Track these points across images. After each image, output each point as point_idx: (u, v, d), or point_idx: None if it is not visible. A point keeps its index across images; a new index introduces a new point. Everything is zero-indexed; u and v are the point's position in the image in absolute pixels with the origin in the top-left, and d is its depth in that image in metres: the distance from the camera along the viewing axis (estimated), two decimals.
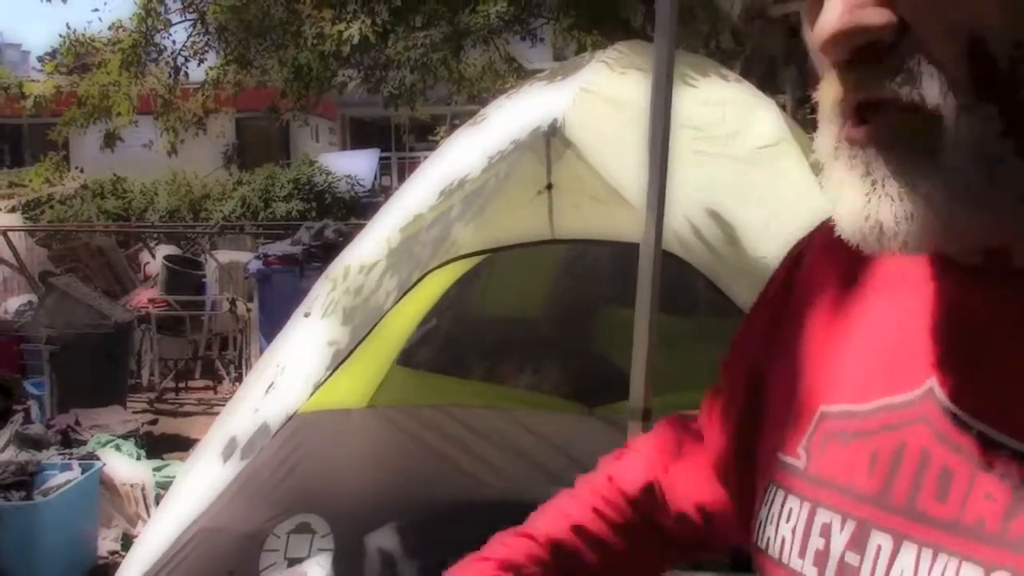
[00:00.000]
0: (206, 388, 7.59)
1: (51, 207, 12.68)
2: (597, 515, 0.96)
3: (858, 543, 0.63)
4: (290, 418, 2.76)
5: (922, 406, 0.62)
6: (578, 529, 0.95)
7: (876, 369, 0.67)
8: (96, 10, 9.94)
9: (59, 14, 20.28)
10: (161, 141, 9.81)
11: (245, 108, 11.59)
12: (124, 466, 4.65)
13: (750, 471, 0.86)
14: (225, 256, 8.95)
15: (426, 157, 4.30)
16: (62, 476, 4.20)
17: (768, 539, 0.72)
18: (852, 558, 0.63)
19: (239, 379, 7.15)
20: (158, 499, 4.34)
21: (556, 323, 4.13)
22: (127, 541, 4.28)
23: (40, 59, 13.81)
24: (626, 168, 2.56)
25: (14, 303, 8.13)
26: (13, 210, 11.49)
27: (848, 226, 0.57)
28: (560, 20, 8.35)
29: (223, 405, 4.18)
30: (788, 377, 0.77)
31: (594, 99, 2.97)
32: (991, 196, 0.53)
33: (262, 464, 2.77)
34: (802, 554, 0.68)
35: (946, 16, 0.53)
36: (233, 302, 7.80)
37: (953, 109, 0.53)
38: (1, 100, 10.04)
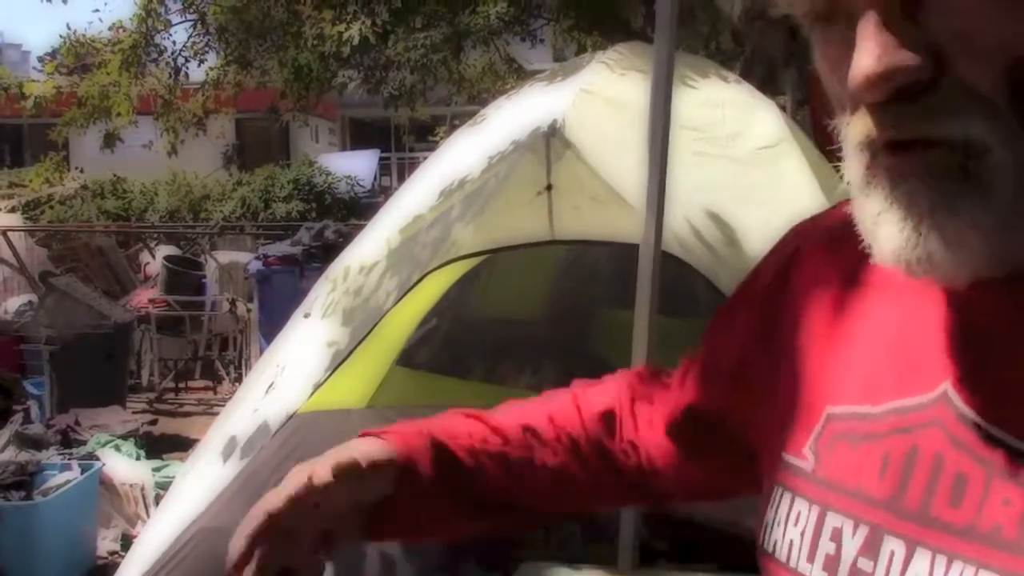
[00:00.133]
0: (206, 388, 7.59)
1: (51, 207, 12.68)
2: (550, 421, 0.98)
3: (870, 548, 0.62)
4: (290, 418, 2.76)
5: (935, 410, 0.61)
6: (528, 429, 0.97)
7: (885, 370, 0.66)
8: (96, 10, 9.92)
9: (59, 14, 20.29)
10: (161, 141, 9.81)
11: (245, 109, 11.59)
12: (124, 466, 4.65)
13: (710, 444, 0.90)
14: (225, 256, 8.96)
15: (426, 158, 4.31)
16: (62, 476, 4.20)
17: (775, 542, 0.71)
18: (865, 564, 0.62)
19: (239, 379, 7.14)
20: (157, 499, 4.34)
21: (556, 324, 4.13)
22: (126, 541, 4.28)
23: (40, 59, 13.81)
24: (626, 169, 2.56)
25: (14, 303, 8.14)
26: (13, 210, 11.49)
27: (893, 258, 0.56)
28: (560, 21, 8.35)
29: (223, 405, 4.19)
30: (790, 376, 0.76)
31: (594, 100, 2.97)
32: None
33: (262, 464, 2.77)
34: (811, 558, 0.67)
35: (984, 44, 0.52)
36: (233, 302, 7.81)
37: (999, 141, 0.52)
38: (1, 100, 10.04)
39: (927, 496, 0.60)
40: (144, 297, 8.20)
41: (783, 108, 4.61)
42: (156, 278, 8.69)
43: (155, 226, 12.56)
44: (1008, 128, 0.52)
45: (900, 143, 0.55)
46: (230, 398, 3.84)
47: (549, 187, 3.01)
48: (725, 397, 0.89)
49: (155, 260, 9.57)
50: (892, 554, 0.60)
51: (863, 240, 0.60)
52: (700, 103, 3.11)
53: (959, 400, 0.60)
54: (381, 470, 0.89)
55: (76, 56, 9.34)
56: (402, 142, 20.01)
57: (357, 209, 13.78)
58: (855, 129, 0.58)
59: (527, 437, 0.97)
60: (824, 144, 3.35)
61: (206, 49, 9.12)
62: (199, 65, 9.31)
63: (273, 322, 5.67)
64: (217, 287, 8.28)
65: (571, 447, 0.97)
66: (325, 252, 6.66)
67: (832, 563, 0.65)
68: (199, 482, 2.85)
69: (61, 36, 9.34)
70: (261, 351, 6.41)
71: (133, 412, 6.29)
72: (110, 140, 9.52)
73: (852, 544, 0.63)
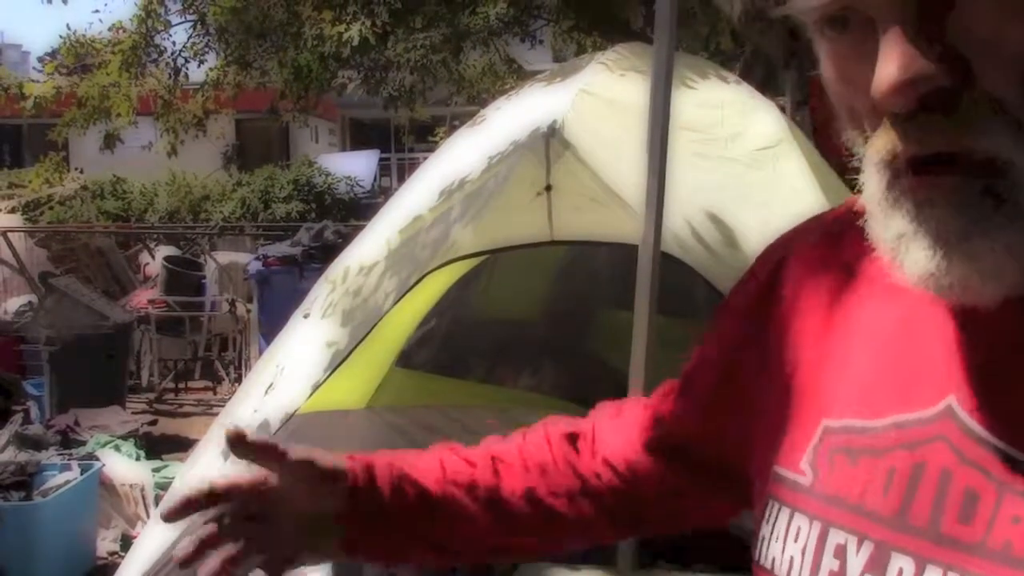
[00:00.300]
0: (205, 389, 7.59)
1: (51, 208, 12.67)
2: (518, 451, 0.98)
3: (877, 566, 0.61)
4: (289, 418, 2.76)
5: (941, 424, 0.60)
6: (497, 458, 0.97)
7: (885, 382, 0.66)
8: (96, 11, 9.89)
9: (59, 15, 20.31)
10: (161, 142, 9.80)
11: (245, 109, 11.58)
12: (123, 467, 4.65)
13: (690, 459, 0.89)
14: (225, 257, 8.96)
15: (426, 158, 4.30)
16: (61, 476, 4.20)
17: (774, 558, 0.70)
18: None
19: (238, 380, 7.15)
20: (157, 500, 4.34)
21: (555, 324, 4.13)
22: (126, 542, 4.28)
23: (40, 60, 13.81)
24: (625, 170, 2.56)
25: (14, 304, 8.14)
26: (13, 211, 11.48)
27: (922, 281, 0.55)
28: (560, 22, 8.35)
29: (222, 406, 4.19)
30: (783, 388, 0.75)
31: (594, 101, 2.97)
32: None
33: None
34: (814, 575, 0.65)
35: (1008, 53, 0.52)
36: (233, 303, 7.81)
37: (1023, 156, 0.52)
38: (1, 100, 10.03)
39: (936, 512, 0.59)
40: (144, 298, 8.21)
41: (783, 109, 4.61)
42: (156, 279, 8.69)
43: (155, 227, 12.56)
44: None
45: (923, 160, 0.54)
46: (230, 399, 3.84)
47: (548, 188, 3.01)
48: (704, 412, 0.89)
49: (155, 261, 9.57)
50: (901, 571, 0.59)
51: (857, 249, 0.60)
52: (699, 104, 3.11)
53: (965, 415, 0.59)
54: (335, 478, 0.92)
55: (76, 56, 9.33)
56: (402, 143, 20.01)
57: (357, 210, 13.78)
58: (877, 144, 0.57)
59: (495, 464, 0.97)
60: (824, 145, 3.36)
61: (206, 50, 9.11)
62: (199, 66, 9.31)
63: (273, 323, 5.67)
64: (217, 288, 8.29)
65: (539, 471, 0.96)
66: (325, 253, 6.66)
67: None
68: (199, 481, 2.85)
69: (61, 36, 9.34)
70: (261, 352, 6.41)
71: (133, 412, 6.29)
72: (110, 141, 9.51)
73: (857, 561, 0.62)
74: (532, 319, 4.13)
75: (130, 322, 6.73)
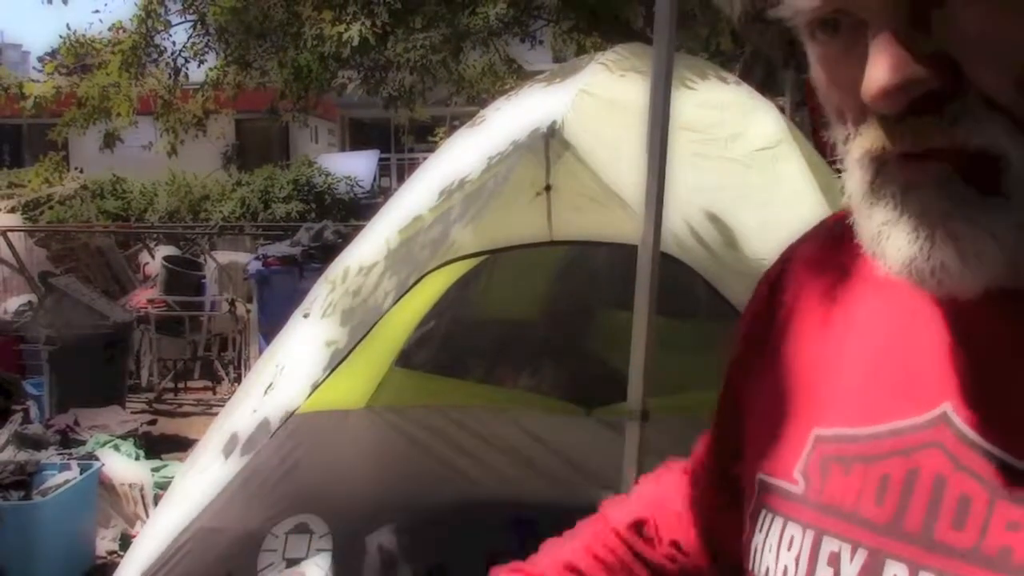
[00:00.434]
0: (205, 389, 7.59)
1: (51, 207, 12.67)
2: (589, 554, 0.96)
3: (871, 573, 0.61)
4: (288, 418, 2.77)
5: (936, 431, 0.60)
6: (571, 567, 0.95)
7: (878, 389, 0.65)
8: (96, 11, 9.90)
9: (59, 15, 20.30)
10: (161, 142, 9.81)
11: (245, 109, 11.59)
12: (123, 466, 4.65)
13: (727, 493, 0.84)
14: (224, 257, 8.96)
15: (425, 158, 4.31)
16: (61, 476, 4.20)
17: (767, 568, 0.69)
18: None
19: (238, 380, 7.15)
20: (156, 499, 4.34)
21: (554, 324, 4.13)
22: (125, 541, 4.28)
23: (40, 59, 13.81)
24: (625, 170, 2.56)
25: (13, 303, 8.14)
26: (13, 210, 11.49)
27: (903, 268, 0.55)
28: (560, 22, 8.36)
29: (222, 406, 4.19)
30: (775, 398, 0.75)
31: (593, 101, 2.97)
32: None
33: (260, 464, 2.77)
34: None
35: (998, 52, 0.52)
36: (232, 303, 7.81)
37: (1019, 150, 0.52)
38: (1, 100, 10.03)
39: (929, 519, 0.59)
40: (143, 297, 8.20)
41: (782, 110, 4.62)
42: (155, 278, 8.69)
43: (154, 226, 12.55)
44: None
45: (913, 155, 0.54)
46: (229, 398, 3.84)
47: (548, 188, 3.01)
48: (723, 434, 0.88)
49: (154, 260, 9.57)
50: None
51: (853, 250, 0.59)
52: (699, 104, 3.11)
53: (960, 421, 0.59)
54: None
55: (76, 56, 9.34)
56: (401, 143, 20.04)
57: (356, 210, 13.78)
58: (863, 140, 0.57)
59: None
60: (823, 146, 3.36)
61: (206, 50, 9.12)
62: (199, 66, 9.32)
63: (272, 322, 5.67)
64: (216, 287, 8.29)
65: (624, 572, 0.95)
66: (324, 253, 6.66)
67: None
68: (199, 481, 2.85)
69: (61, 36, 9.35)
70: (260, 351, 6.41)
71: (132, 412, 6.29)
72: (110, 140, 9.52)
73: (851, 569, 0.62)
74: (532, 319, 4.13)
75: (130, 322, 6.73)
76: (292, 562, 2.80)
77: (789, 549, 0.67)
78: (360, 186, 15.28)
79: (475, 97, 10.18)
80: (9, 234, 8.75)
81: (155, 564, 2.64)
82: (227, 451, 2.81)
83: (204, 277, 8.45)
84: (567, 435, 3.20)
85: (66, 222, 12.08)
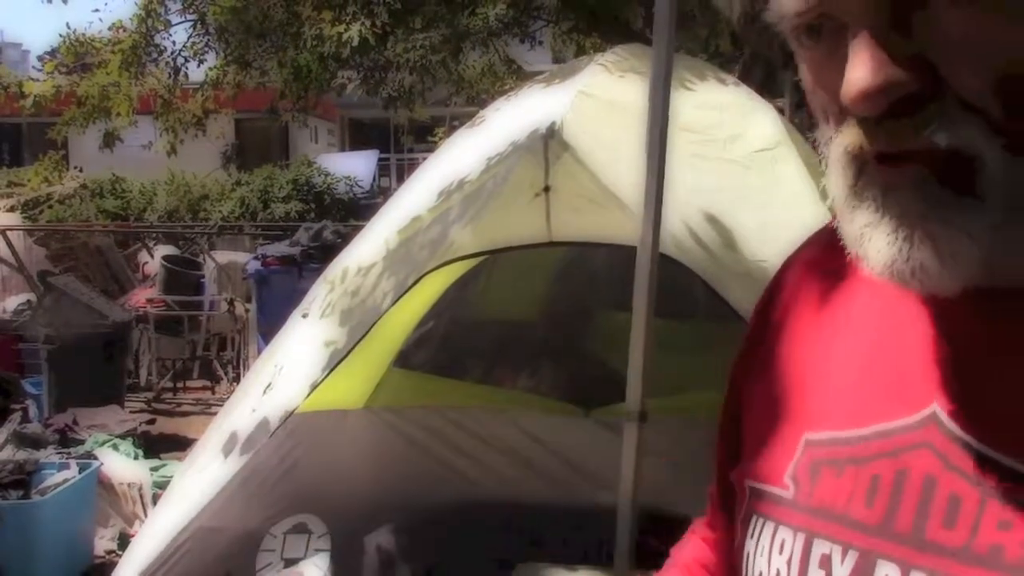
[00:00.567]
0: (204, 388, 7.59)
1: (50, 206, 12.67)
2: None
3: (863, 574, 0.61)
4: (287, 418, 2.77)
5: (925, 431, 0.61)
6: None
7: (868, 391, 0.66)
8: (96, 10, 9.89)
9: (59, 14, 20.25)
10: (160, 141, 9.80)
11: (244, 109, 11.58)
12: (121, 465, 4.65)
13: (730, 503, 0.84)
14: (223, 257, 8.96)
15: (425, 158, 4.31)
16: (60, 475, 4.21)
17: (760, 572, 0.70)
18: None
19: (237, 379, 7.15)
20: (155, 499, 4.34)
21: (553, 325, 4.13)
22: (124, 540, 4.28)
23: (40, 58, 13.82)
24: (624, 171, 2.56)
25: (12, 302, 8.14)
26: (12, 209, 11.49)
27: (884, 269, 0.56)
28: (559, 23, 8.36)
29: (221, 405, 4.19)
30: (766, 403, 0.75)
31: (592, 102, 2.97)
32: None
33: (259, 464, 2.77)
34: None
35: (976, 56, 0.53)
36: (231, 303, 7.81)
37: (991, 152, 0.52)
38: (1, 99, 10.03)
39: (920, 519, 0.59)
40: (142, 297, 8.20)
41: (781, 111, 4.61)
42: (154, 278, 8.69)
43: (154, 226, 12.55)
44: (1001, 139, 0.52)
45: (891, 155, 0.55)
46: (228, 398, 3.84)
47: (547, 189, 3.02)
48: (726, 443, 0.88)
49: (154, 260, 9.57)
50: None
51: (845, 254, 0.60)
52: (698, 105, 3.11)
53: (949, 421, 0.60)
54: None
55: (76, 56, 9.33)
56: (401, 143, 20.05)
57: (356, 210, 13.78)
58: (843, 140, 0.58)
59: None
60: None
61: (206, 49, 9.11)
62: (199, 65, 9.31)
63: (271, 322, 5.67)
64: (215, 287, 8.29)
65: None
66: (323, 253, 6.66)
67: None
68: (198, 480, 2.86)
69: (61, 35, 9.34)
70: (259, 351, 6.42)
71: (131, 412, 6.29)
72: (109, 140, 9.51)
73: (842, 570, 0.62)
74: (530, 320, 4.14)
75: (129, 321, 6.72)
76: (290, 562, 2.80)
77: (781, 553, 0.68)
78: (359, 186, 15.28)
79: (474, 98, 10.17)
80: (8, 233, 8.75)
81: (154, 563, 2.64)
82: (226, 451, 2.81)
83: (203, 277, 8.45)
84: (566, 436, 3.20)
85: (65, 221, 12.08)
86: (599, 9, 7.13)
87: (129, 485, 4.56)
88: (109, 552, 4.35)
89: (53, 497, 4.01)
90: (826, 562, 0.64)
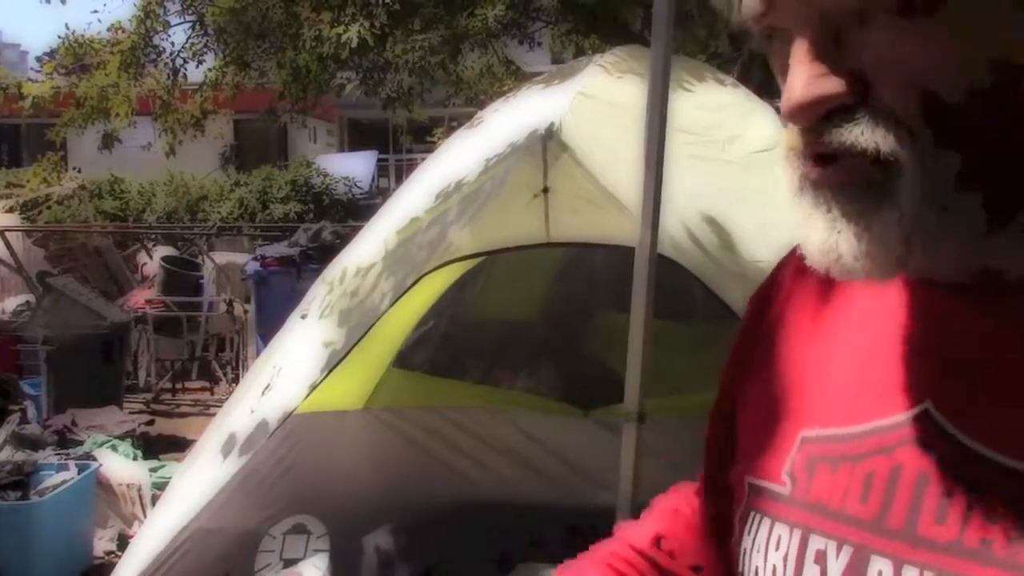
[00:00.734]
0: (203, 389, 7.59)
1: (49, 207, 12.67)
2: (610, 570, 0.95)
3: (856, 570, 0.62)
4: (286, 418, 2.77)
5: (916, 428, 0.62)
6: None
7: (862, 391, 0.67)
8: (95, 11, 9.88)
9: (58, 15, 20.28)
10: (159, 142, 9.80)
11: (243, 110, 11.57)
12: (120, 466, 4.65)
13: (725, 500, 0.85)
14: (222, 257, 8.96)
15: (424, 159, 4.31)
16: (58, 476, 4.21)
17: (756, 568, 0.71)
18: None
19: (236, 380, 7.15)
20: (154, 499, 4.34)
21: (552, 326, 4.14)
22: (123, 541, 4.28)
23: (39, 59, 13.80)
24: (622, 172, 2.57)
25: (11, 303, 8.14)
26: (11, 210, 11.49)
27: (815, 258, 0.61)
28: (558, 24, 8.36)
29: (219, 406, 4.19)
30: (764, 401, 0.76)
31: (591, 103, 2.98)
32: (945, 235, 0.57)
33: (258, 465, 2.78)
34: None
35: (900, 74, 0.56)
36: (230, 303, 7.81)
37: (909, 156, 0.56)
38: None
39: (912, 515, 0.60)
40: (141, 298, 8.20)
41: (780, 112, 4.61)
42: (153, 279, 8.69)
43: (152, 227, 12.56)
44: (923, 150, 0.56)
45: (823, 156, 0.59)
46: (227, 399, 3.84)
47: (546, 190, 3.02)
48: (720, 440, 0.89)
49: (152, 261, 9.57)
50: (880, 574, 0.61)
51: None
52: (697, 106, 3.12)
53: (940, 417, 0.61)
54: None
55: (75, 56, 9.32)
56: (400, 143, 20.06)
57: (355, 210, 13.79)
58: (786, 140, 0.62)
59: None
60: None
61: (205, 50, 9.11)
62: (198, 66, 9.30)
63: (270, 323, 5.66)
64: (214, 288, 8.29)
65: None
66: (322, 253, 6.67)
67: None
68: (197, 481, 2.86)
69: (60, 36, 9.33)
70: (258, 352, 6.42)
71: (130, 412, 6.29)
72: (108, 140, 9.51)
73: (837, 566, 0.63)
74: (529, 320, 4.14)
75: (127, 322, 6.72)
76: (289, 562, 2.80)
77: (777, 549, 0.69)
78: (358, 187, 15.29)
79: (473, 98, 10.17)
80: (7, 234, 8.74)
81: (153, 564, 2.65)
82: (225, 451, 2.82)
83: (202, 277, 8.45)
84: (565, 436, 3.20)
85: (64, 222, 12.09)
86: (598, 10, 7.14)
87: (128, 486, 4.56)
88: (108, 553, 4.35)
89: (52, 498, 4.01)
90: (821, 558, 0.65)
